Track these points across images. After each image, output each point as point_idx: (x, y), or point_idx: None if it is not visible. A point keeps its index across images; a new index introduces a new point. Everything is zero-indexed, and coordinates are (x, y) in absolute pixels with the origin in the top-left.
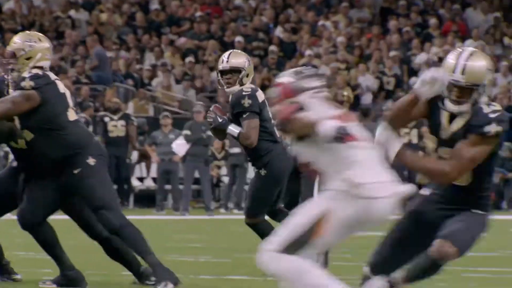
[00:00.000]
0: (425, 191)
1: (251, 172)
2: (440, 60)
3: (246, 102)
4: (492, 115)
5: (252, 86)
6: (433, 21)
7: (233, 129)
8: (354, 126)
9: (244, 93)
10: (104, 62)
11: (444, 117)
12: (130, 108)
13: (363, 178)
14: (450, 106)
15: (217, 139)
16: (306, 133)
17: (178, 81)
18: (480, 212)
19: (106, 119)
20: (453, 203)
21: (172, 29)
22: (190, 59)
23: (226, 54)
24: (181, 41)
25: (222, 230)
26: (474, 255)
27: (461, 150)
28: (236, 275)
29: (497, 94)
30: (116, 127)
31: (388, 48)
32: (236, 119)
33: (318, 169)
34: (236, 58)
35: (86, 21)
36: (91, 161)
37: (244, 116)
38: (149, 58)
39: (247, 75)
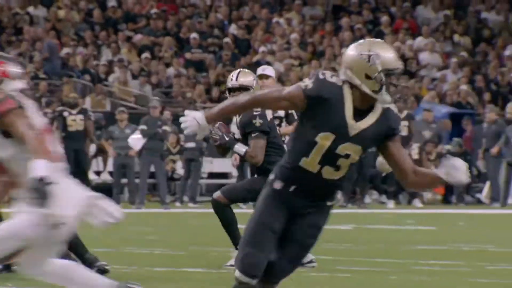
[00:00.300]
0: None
1: (205, 166)
2: None
3: (258, 121)
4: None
5: None
6: (384, 18)
7: (240, 147)
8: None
9: (255, 113)
10: (54, 54)
11: (345, 113)
12: (87, 103)
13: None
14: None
15: (221, 155)
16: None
17: (134, 77)
18: (330, 203)
19: (65, 113)
20: (316, 196)
21: (128, 26)
22: (146, 55)
23: (235, 72)
24: (138, 37)
25: (177, 223)
26: (425, 248)
27: (405, 154)
28: (190, 267)
29: (446, 91)
30: (75, 122)
31: (341, 45)
32: (245, 137)
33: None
34: (244, 77)
35: (44, 17)
36: None
37: (253, 135)
38: (106, 54)
39: None
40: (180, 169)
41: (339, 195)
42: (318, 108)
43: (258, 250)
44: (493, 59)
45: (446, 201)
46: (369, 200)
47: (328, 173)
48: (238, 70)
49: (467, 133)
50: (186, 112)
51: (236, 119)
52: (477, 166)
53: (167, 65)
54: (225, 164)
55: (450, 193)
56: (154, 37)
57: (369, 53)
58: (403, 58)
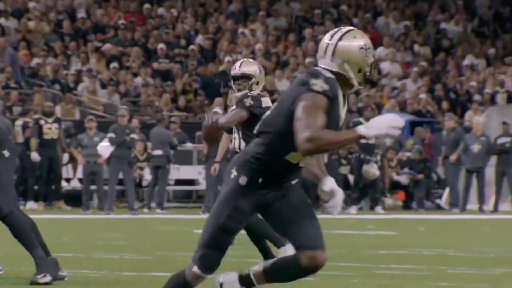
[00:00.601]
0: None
1: (172, 173)
2: None
3: (248, 102)
4: None
5: (261, 92)
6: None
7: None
8: None
9: (249, 94)
10: (16, 63)
11: (341, 106)
12: (57, 112)
13: None
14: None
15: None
16: None
17: (103, 86)
18: (295, 182)
19: (42, 122)
20: (284, 181)
21: (97, 37)
22: (114, 65)
23: (239, 61)
24: (106, 47)
25: (145, 229)
26: (386, 252)
27: None
28: (158, 271)
29: (407, 99)
30: (51, 130)
31: (304, 55)
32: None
33: None
34: (247, 66)
35: (15, 28)
36: (5, 153)
37: (237, 109)
38: (75, 64)
39: (257, 83)
40: (147, 176)
41: None
42: (330, 107)
43: (217, 251)
44: (452, 69)
45: (406, 207)
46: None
47: (305, 160)
48: (243, 59)
49: (427, 141)
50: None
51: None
52: (437, 172)
53: (135, 74)
54: (191, 171)
55: (411, 199)
56: (122, 47)
57: (366, 46)
58: None
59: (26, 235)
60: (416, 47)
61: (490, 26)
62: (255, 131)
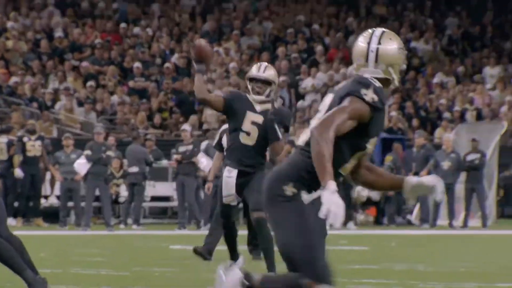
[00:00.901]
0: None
1: (148, 190)
2: (325, 85)
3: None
4: None
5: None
6: (319, 48)
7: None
8: None
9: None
10: None
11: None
12: None
13: None
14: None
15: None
16: None
17: (80, 104)
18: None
19: (25, 139)
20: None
21: (74, 55)
22: (91, 83)
23: (263, 65)
24: (83, 66)
25: (122, 245)
26: (358, 267)
27: None
28: (134, 287)
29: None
30: (34, 147)
31: (278, 74)
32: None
33: None
34: (270, 71)
35: None
36: None
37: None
38: (53, 83)
39: (273, 90)
40: (124, 193)
41: None
42: (378, 116)
43: (322, 259)
44: (422, 87)
45: (378, 222)
46: None
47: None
48: (264, 63)
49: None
50: (325, 203)
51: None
52: None
53: (111, 93)
54: (167, 188)
55: (382, 215)
56: (98, 66)
57: (401, 45)
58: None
59: (12, 260)
60: None
61: (459, 45)
62: (301, 143)
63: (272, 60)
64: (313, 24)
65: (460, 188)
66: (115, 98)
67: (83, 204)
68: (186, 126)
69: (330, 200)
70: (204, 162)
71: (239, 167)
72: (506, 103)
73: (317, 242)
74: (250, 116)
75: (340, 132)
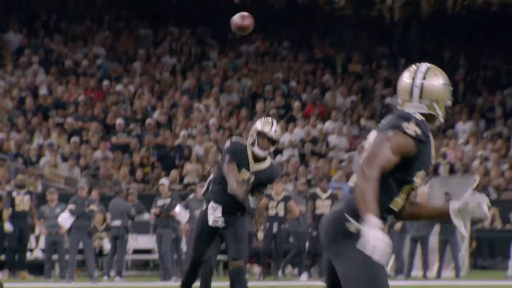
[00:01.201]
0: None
1: (130, 242)
2: (302, 140)
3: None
4: None
5: None
6: (296, 104)
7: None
8: None
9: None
10: None
11: (433, 146)
12: None
13: None
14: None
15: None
16: None
17: (64, 160)
18: None
19: (15, 193)
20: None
21: (58, 112)
22: (75, 139)
23: (275, 124)
24: (67, 122)
25: None
26: None
27: None
28: None
29: (353, 171)
30: (22, 202)
31: None
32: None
33: None
34: (279, 132)
35: None
36: None
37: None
38: (38, 139)
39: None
40: (107, 245)
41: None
42: (423, 149)
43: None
44: None
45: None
46: (282, 273)
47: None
48: (275, 122)
49: None
50: (365, 236)
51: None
52: None
53: (95, 148)
54: (148, 241)
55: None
56: (82, 122)
57: (446, 81)
58: (313, 141)
59: None
60: (363, 121)
61: None
62: (352, 184)
63: (251, 116)
64: (291, 81)
65: (434, 240)
66: (98, 154)
67: (67, 256)
68: (164, 180)
69: (370, 233)
70: (181, 215)
71: (223, 207)
72: (478, 157)
73: (381, 273)
74: (243, 173)
75: (386, 168)
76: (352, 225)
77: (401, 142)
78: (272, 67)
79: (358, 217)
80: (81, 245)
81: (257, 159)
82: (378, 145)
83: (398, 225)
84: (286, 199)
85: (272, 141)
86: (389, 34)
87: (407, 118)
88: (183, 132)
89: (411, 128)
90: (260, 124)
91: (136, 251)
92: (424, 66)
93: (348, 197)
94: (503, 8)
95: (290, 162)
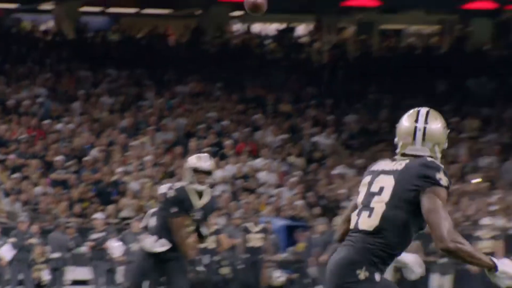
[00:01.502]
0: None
1: (69, 275)
2: (234, 176)
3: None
4: None
5: None
6: (228, 142)
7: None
8: None
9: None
10: None
11: None
12: None
13: None
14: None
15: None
16: None
17: (6, 195)
18: None
19: None
20: None
21: (1, 150)
22: (16, 175)
23: (205, 156)
24: (9, 159)
25: None
26: None
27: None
28: None
29: (282, 206)
30: None
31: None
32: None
33: None
34: (212, 163)
35: None
36: None
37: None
38: None
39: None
40: (46, 277)
41: None
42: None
43: None
44: (323, 178)
45: None
46: None
47: None
48: (205, 155)
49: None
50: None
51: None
52: (308, 273)
53: (35, 184)
54: (86, 272)
55: None
56: (23, 159)
57: (445, 124)
58: (244, 177)
59: None
60: (292, 158)
61: (358, 139)
62: (367, 228)
63: (184, 154)
64: (223, 120)
65: None
66: (39, 189)
67: (8, 287)
68: (98, 215)
69: (507, 266)
70: (115, 247)
71: (166, 241)
72: None
73: None
74: (189, 218)
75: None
76: (363, 273)
77: (444, 197)
78: (206, 107)
79: (373, 263)
80: (21, 276)
81: (200, 194)
82: (435, 212)
83: (323, 257)
84: (217, 232)
85: (208, 173)
86: (318, 76)
87: (437, 168)
88: (119, 169)
89: (444, 179)
90: (193, 162)
91: (74, 282)
92: (424, 109)
93: (361, 243)
94: (426, 52)
95: (222, 197)
